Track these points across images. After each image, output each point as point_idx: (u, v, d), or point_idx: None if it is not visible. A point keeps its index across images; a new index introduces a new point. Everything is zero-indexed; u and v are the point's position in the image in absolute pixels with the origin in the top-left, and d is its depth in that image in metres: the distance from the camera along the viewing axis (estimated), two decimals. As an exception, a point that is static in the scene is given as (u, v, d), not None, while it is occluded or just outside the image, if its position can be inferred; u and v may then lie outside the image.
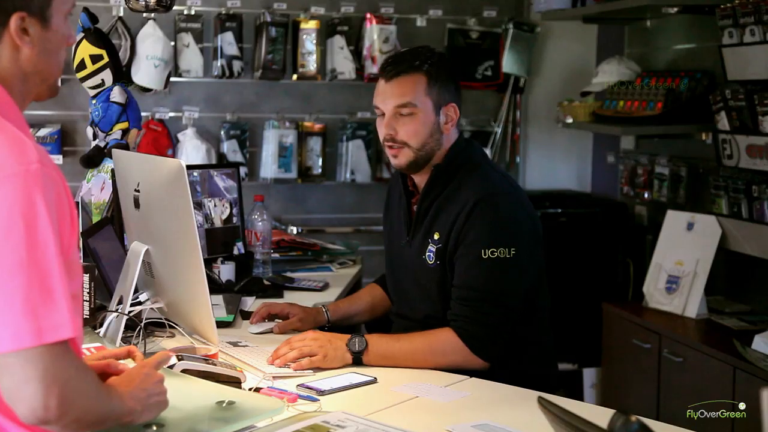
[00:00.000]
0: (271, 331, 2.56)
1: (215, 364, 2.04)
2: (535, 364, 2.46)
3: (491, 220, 2.32)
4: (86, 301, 2.42)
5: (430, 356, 2.28)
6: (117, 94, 3.15)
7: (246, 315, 2.69)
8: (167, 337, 2.41)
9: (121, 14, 4.17)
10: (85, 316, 2.39)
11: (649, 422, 1.39)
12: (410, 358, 2.28)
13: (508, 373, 2.26)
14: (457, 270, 2.34)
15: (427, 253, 2.42)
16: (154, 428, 1.62)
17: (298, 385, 2.06)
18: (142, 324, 2.32)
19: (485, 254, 2.29)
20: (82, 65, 3.14)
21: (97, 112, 3.17)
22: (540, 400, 1.44)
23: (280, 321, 2.59)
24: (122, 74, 3.28)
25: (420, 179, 2.48)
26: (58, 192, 1.43)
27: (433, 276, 2.41)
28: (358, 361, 2.25)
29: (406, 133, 2.39)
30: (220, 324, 2.53)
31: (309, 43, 4.44)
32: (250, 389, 2.01)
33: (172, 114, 4.38)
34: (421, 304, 2.48)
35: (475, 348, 2.28)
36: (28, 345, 1.34)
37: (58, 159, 4.18)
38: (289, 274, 3.27)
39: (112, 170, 2.88)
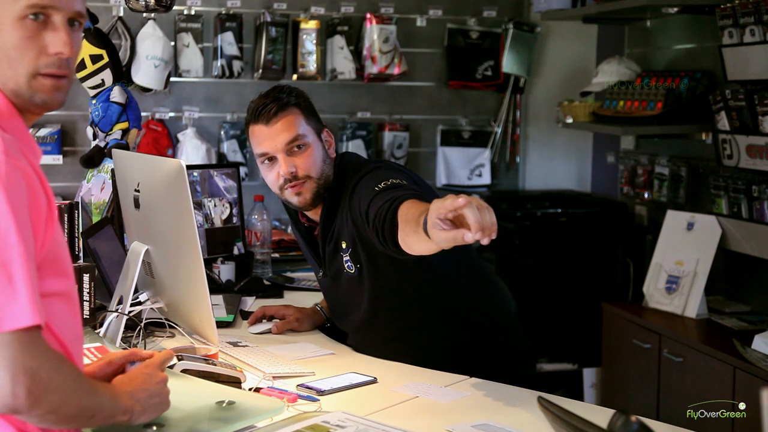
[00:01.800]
0: (269, 331, 2.57)
1: (215, 364, 2.04)
2: (511, 367, 2.45)
3: (368, 180, 2.27)
4: (86, 301, 2.42)
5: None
6: (117, 94, 3.15)
7: (246, 315, 2.69)
8: (167, 337, 2.41)
9: (121, 14, 4.17)
10: (85, 316, 2.40)
11: (649, 422, 1.39)
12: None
13: (492, 375, 2.24)
14: (370, 214, 2.18)
15: (345, 266, 2.41)
16: (154, 428, 1.62)
17: (298, 385, 2.06)
18: (142, 324, 2.32)
19: (379, 187, 2.20)
20: (82, 65, 3.14)
21: (97, 112, 3.17)
22: (540, 400, 1.44)
23: (278, 321, 2.60)
24: (122, 74, 3.28)
25: (314, 214, 2.48)
26: (30, 185, 1.42)
27: (359, 282, 2.40)
28: None
29: (306, 166, 2.38)
30: (220, 324, 2.53)
31: (309, 43, 4.44)
32: (250, 389, 2.01)
33: (172, 114, 4.38)
34: (374, 320, 2.45)
35: None
36: None
37: (57, 159, 4.17)
38: (289, 274, 3.27)
39: (112, 170, 2.88)
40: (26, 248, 1.38)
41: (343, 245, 2.39)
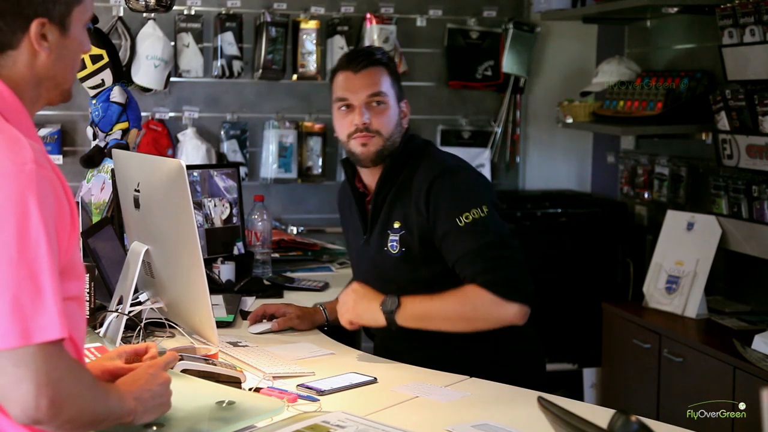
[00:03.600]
0: (270, 331, 2.57)
1: (215, 364, 2.04)
2: (521, 363, 2.45)
3: (452, 191, 2.37)
4: (86, 301, 2.42)
5: (464, 312, 2.30)
6: (117, 94, 3.15)
7: (246, 315, 2.69)
8: (167, 337, 2.41)
9: (121, 14, 4.17)
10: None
11: (649, 422, 1.39)
12: (443, 315, 2.31)
13: (497, 376, 2.25)
14: (446, 251, 2.36)
15: (389, 244, 2.45)
16: (154, 428, 1.62)
17: (298, 385, 2.06)
18: (142, 324, 2.32)
19: (461, 222, 2.33)
20: (82, 65, 3.14)
21: (97, 112, 3.17)
22: (540, 400, 1.44)
23: (279, 318, 2.60)
24: (122, 74, 3.28)
25: (371, 178, 2.52)
26: (56, 193, 1.43)
27: (400, 264, 2.44)
28: (391, 321, 2.30)
29: (380, 122, 2.45)
30: (220, 324, 2.53)
31: (309, 43, 4.44)
32: (250, 389, 2.01)
33: (172, 114, 4.38)
34: None
35: (504, 293, 2.27)
36: (14, 345, 1.34)
37: (58, 159, 4.17)
38: (289, 274, 3.28)
39: (112, 170, 2.88)
40: (53, 259, 1.39)
41: (396, 225, 2.44)
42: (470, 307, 2.29)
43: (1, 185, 1.37)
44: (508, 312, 2.28)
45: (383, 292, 2.44)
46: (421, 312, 2.31)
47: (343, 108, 2.48)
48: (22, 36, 1.49)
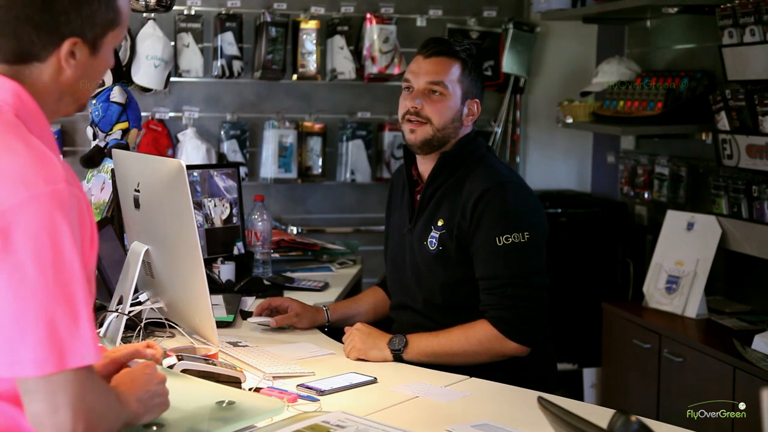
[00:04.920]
0: (268, 325, 2.58)
1: (215, 364, 2.04)
2: (534, 365, 2.45)
3: (500, 208, 2.38)
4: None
5: (468, 347, 2.34)
6: (117, 94, 3.15)
7: (246, 315, 2.69)
8: (167, 337, 2.41)
9: (121, 14, 4.17)
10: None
11: (649, 422, 1.40)
12: (449, 351, 2.34)
13: (507, 376, 2.26)
14: (476, 263, 2.40)
15: (429, 239, 2.46)
16: (154, 428, 1.62)
17: (298, 385, 2.06)
18: (142, 324, 2.32)
19: (500, 242, 2.35)
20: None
21: (97, 112, 3.17)
22: (540, 400, 1.44)
23: (279, 316, 2.61)
24: (122, 74, 3.28)
25: (425, 168, 2.53)
26: (81, 210, 1.42)
27: (434, 262, 2.46)
28: (398, 358, 2.33)
29: (432, 111, 2.46)
30: (220, 324, 2.54)
31: (309, 43, 4.44)
32: (250, 389, 2.01)
33: (172, 114, 4.38)
34: (419, 292, 2.51)
35: (507, 332, 2.33)
36: (50, 371, 1.33)
37: (58, 159, 4.17)
38: (289, 274, 3.28)
39: (112, 170, 2.88)
40: (85, 281, 1.38)
41: (440, 223, 2.45)
42: (475, 342, 2.34)
43: (34, 205, 1.35)
44: (508, 349, 2.36)
45: (417, 284, 2.49)
46: (427, 349, 2.35)
47: (406, 89, 2.51)
48: (53, 50, 1.48)
